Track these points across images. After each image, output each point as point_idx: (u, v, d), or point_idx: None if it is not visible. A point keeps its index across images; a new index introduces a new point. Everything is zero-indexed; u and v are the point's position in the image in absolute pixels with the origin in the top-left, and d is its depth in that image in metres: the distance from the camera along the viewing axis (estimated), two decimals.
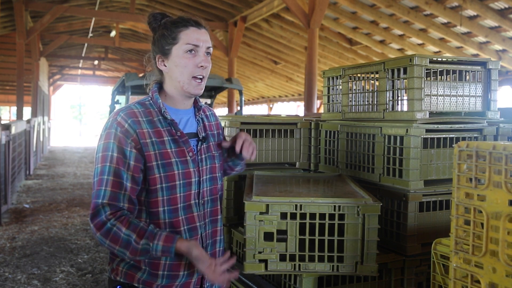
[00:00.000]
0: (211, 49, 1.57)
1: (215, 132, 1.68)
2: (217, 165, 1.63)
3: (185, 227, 1.50)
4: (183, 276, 1.52)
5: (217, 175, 1.63)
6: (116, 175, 1.42)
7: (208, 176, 1.58)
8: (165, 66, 1.55)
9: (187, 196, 1.51)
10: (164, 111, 1.52)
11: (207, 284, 1.59)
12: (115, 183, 1.41)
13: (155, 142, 1.47)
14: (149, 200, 1.48)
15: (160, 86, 1.59)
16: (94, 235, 1.41)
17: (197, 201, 1.54)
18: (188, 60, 1.51)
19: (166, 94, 1.57)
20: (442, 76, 2.08)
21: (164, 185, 1.47)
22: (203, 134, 1.60)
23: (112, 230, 1.38)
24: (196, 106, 1.64)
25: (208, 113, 1.69)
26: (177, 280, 1.51)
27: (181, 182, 1.49)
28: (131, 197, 1.44)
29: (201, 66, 1.51)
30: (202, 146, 1.58)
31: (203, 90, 1.56)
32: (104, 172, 1.42)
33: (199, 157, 1.56)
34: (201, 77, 1.53)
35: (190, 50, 1.51)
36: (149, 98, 1.56)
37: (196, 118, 1.62)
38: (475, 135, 1.99)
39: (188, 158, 1.52)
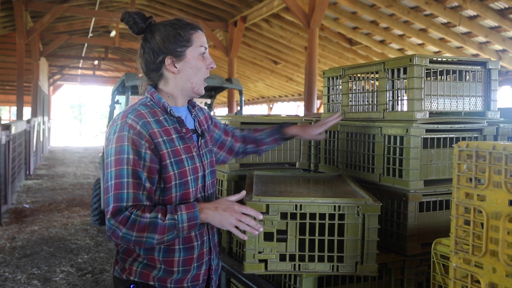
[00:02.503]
0: None
1: (206, 126, 1.73)
2: (213, 158, 1.70)
3: None
4: (194, 269, 1.56)
5: (215, 168, 1.70)
6: (135, 176, 1.42)
7: (209, 170, 1.63)
8: (176, 68, 1.55)
9: (196, 190, 1.56)
10: (170, 110, 1.54)
11: (214, 273, 1.65)
12: (135, 184, 1.41)
13: (166, 140, 1.50)
14: (164, 198, 1.50)
15: (154, 87, 1.61)
16: (118, 233, 1.38)
17: (203, 194, 1.59)
18: (202, 62, 1.57)
19: (165, 94, 1.59)
20: (442, 76, 2.08)
21: (178, 181, 1.50)
22: (200, 129, 1.65)
23: (137, 220, 1.38)
24: (190, 103, 1.68)
25: (196, 109, 1.72)
26: (190, 273, 1.55)
27: (192, 177, 1.54)
28: (150, 196, 1.46)
29: (210, 68, 1.59)
30: (201, 141, 1.63)
31: None
32: (122, 175, 1.41)
33: (201, 152, 1.60)
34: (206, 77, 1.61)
35: (203, 52, 1.57)
36: (149, 99, 1.57)
37: (192, 114, 1.66)
38: (475, 135, 1.99)
39: (194, 153, 1.56)
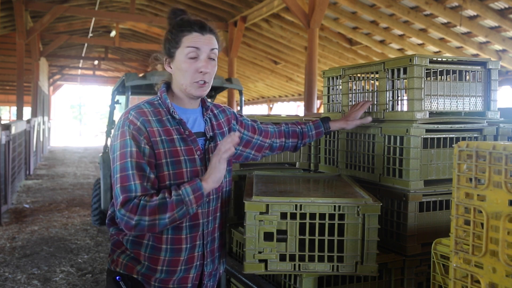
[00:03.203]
0: (216, 51, 1.56)
1: (225, 129, 1.71)
2: None
3: (188, 224, 1.53)
4: (181, 271, 1.55)
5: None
6: (139, 168, 1.44)
7: None
8: (171, 68, 1.58)
9: None
10: (172, 111, 1.54)
11: (207, 279, 1.63)
12: (140, 176, 1.44)
13: (165, 140, 1.50)
14: None
15: (168, 86, 1.62)
16: (130, 223, 1.40)
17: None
18: (189, 65, 1.52)
19: (174, 94, 1.60)
20: (442, 76, 2.08)
21: (172, 182, 1.50)
22: (211, 133, 1.63)
23: (147, 205, 1.40)
24: (204, 105, 1.66)
25: (216, 111, 1.72)
26: (175, 275, 1.55)
27: (189, 179, 1.52)
28: (153, 186, 1.47)
29: (201, 72, 1.52)
30: (209, 145, 1.61)
31: (206, 92, 1.58)
32: (127, 168, 1.44)
33: (206, 156, 1.59)
34: (202, 82, 1.54)
35: (191, 55, 1.52)
36: (158, 98, 1.59)
37: (204, 117, 1.64)
38: (475, 135, 1.99)
39: (196, 156, 1.55)
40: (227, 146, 1.48)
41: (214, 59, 1.57)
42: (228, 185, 1.71)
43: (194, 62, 1.52)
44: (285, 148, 1.95)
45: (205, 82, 1.54)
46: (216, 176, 1.47)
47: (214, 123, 1.67)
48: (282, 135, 1.92)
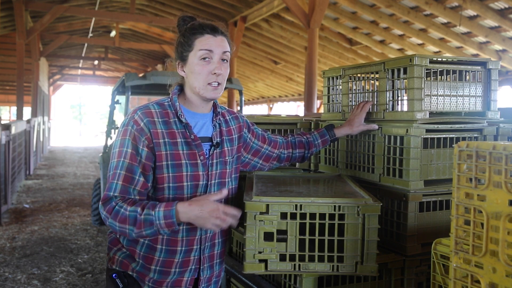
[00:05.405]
0: (228, 54, 1.57)
1: (235, 135, 1.71)
2: (227, 170, 1.65)
3: (185, 226, 1.53)
4: (175, 274, 1.55)
5: (226, 180, 1.65)
6: (129, 170, 1.46)
7: (216, 181, 1.61)
8: (184, 72, 1.59)
9: (193, 197, 1.53)
10: (180, 114, 1.55)
11: (204, 285, 1.62)
12: (127, 177, 1.46)
13: (168, 142, 1.51)
14: (156, 197, 1.52)
15: (181, 88, 1.63)
16: (106, 222, 1.45)
17: None
18: (203, 67, 1.53)
19: (185, 97, 1.61)
20: (442, 76, 2.08)
21: (171, 184, 1.51)
22: (218, 139, 1.62)
23: (120, 212, 1.42)
24: (215, 111, 1.66)
25: (228, 117, 1.72)
26: (169, 276, 1.55)
27: (189, 183, 1.53)
28: (141, 191, 1.48)
29: (215, 73, 1.53)
30: (215, 151, 1.60)
31: (220, 94, 1.58)
32: (118, 166, 1.47)
33: (209, 162, 1.58)
34: (216, 84, 1.54)
35: (204, 57, 1.53)
36: (169, 99, 1.60)
37: (213, 123, 1.64)
38: (475, 135, 1.99)
39: (199, 161, 1.55)
40: (235, 213, 1.45)
41: (226, 61, 1.57)
42: (233, 192, 1.71)
43: (207, 64, 1.53)
44: (293, 159, 1.96)
45: (218, 84, 1.55)
46: (199, 223, 1.42)
47: (224, 129, 1.67)
48: (289, 146, 1.93)
